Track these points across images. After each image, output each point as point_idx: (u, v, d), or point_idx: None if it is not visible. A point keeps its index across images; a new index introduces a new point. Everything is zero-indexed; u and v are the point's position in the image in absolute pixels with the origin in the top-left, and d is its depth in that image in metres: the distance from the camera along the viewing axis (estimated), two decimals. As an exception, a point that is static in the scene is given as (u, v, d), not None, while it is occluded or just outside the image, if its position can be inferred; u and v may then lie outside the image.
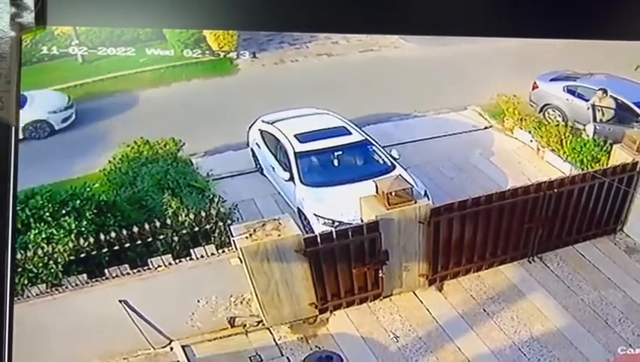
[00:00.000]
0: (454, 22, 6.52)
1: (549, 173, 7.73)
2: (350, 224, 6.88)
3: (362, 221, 6.82)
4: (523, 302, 7.08)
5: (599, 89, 7.98)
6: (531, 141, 8.26)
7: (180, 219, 6.79)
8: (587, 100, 8.17)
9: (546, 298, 7.09)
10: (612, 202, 7.51)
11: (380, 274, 6.98)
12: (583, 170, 7.66)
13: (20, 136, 7.06)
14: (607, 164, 7.56)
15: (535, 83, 8.31)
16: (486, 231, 7.17)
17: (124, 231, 6.61)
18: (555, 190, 7.18)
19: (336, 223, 7.12)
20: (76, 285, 6.43)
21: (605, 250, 7.58)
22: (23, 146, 6.12)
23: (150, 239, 6.69)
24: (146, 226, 6.66)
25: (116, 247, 6.60)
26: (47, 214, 6.57)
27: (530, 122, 8.28)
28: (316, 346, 6.76)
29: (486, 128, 8.49)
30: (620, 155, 7.45)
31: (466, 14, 6.52)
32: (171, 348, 6.77)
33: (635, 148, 7.35)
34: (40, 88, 7.33)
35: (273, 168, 7.82)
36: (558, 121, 8.25)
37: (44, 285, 6.42)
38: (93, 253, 6.55)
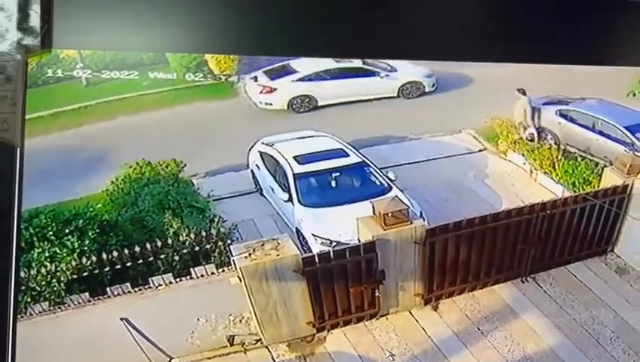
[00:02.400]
0: (449, 47, 6.66)
1: (542, 195, 7.80)
2: (347, 244, 6.94)
3: (359, 241, 6.90)
4: (516, 321, 7.15)
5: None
6: (524, 163, 8.32)
7: (180, 238, 6.85)
8: (579, 124, 8.26)
9: (539, 317, 7.16)
10: (603, 224, 7.62)
11: (377, 294, 7.04)
12: (574, 192, 7.74)
13: (395, 94, 8.00)
14: (598, 187, 7.66)
15: (528, 107, 8.39)
16: (480, 251, 7.25)
17: (126, 251, 6.67)
18: (548, 212, 7.28)
19: (334, 243, 7.16)
20: (78, 303, 6.49)
21: (597, 270, 7.66)
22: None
23: (151, 258, 6.75)
24: (148, 246, 6.73)
25: (118, 266, 6.66)
26: (51, 233, 6.63)
27: (524, 145, 8.35)
28: (313, 364, 6.81)
29: (480, 151, 8.52)
30: (610, 178, 7.56)
31: (461, 40, 6.66)
32: (171, 366, 6.84)
33: (625, 171, 7.45)
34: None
35: (272, 189, 7.87)
36: (550, 144, 8.34)
37: (47, 303, 6.47)
38: (96, 271, 6.60)
